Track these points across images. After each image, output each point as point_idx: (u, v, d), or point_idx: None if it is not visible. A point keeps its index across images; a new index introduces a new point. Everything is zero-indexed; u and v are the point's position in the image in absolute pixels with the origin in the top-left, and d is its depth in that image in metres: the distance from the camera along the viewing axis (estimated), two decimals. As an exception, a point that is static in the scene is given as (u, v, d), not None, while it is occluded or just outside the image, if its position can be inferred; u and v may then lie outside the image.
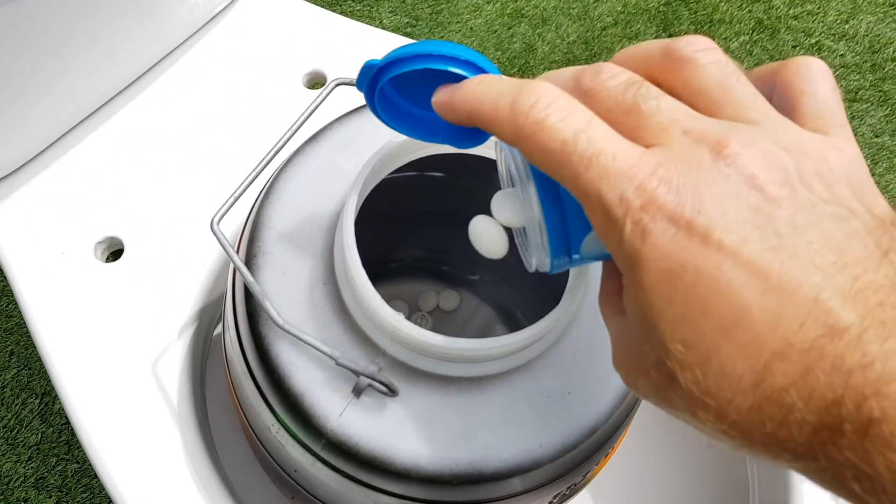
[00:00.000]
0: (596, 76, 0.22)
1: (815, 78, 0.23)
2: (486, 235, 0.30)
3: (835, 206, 0.19)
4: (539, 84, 0.22)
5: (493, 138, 0.31)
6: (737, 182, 0.19)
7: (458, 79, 0.24)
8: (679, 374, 0.20)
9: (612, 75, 0.22)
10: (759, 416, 0.19)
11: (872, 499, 0.18)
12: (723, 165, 0.20)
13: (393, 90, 0.27)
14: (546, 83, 0.22)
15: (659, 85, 0.22)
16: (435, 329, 0.56)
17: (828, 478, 0.19)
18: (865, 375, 0.18)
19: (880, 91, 1.21)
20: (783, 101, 0.23)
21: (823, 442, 0.18)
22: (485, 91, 0.23)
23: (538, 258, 0.26)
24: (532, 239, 0.26)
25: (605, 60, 0.23)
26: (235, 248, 0.38)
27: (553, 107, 0.21)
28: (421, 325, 0.57)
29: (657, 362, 0.20)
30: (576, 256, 0.25)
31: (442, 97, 0.24)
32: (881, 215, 0.20)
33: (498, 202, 0.28)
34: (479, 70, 0.25)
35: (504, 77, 0.23)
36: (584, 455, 0.35)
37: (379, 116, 0.28)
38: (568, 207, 0.24)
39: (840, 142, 0.21)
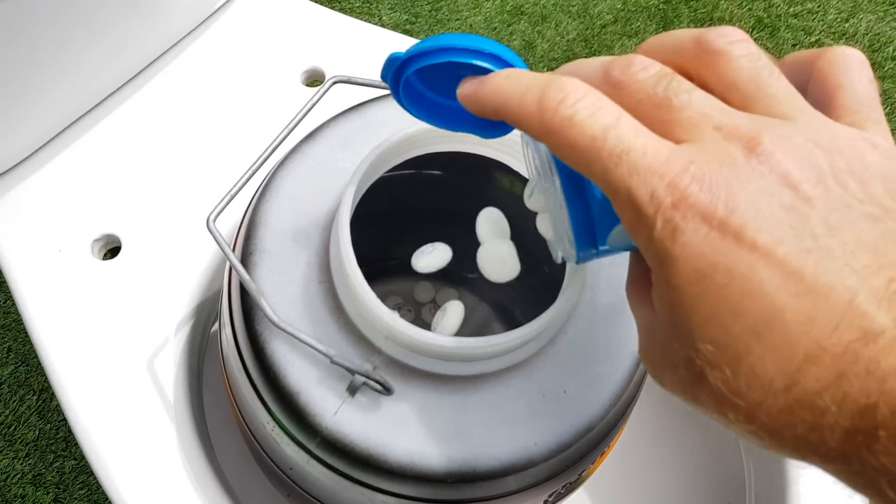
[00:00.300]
0: (626, 68, 0.21)
1: (852, 70, 0.22)
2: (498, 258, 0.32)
3: (869, 206, 0.19)
4: (567, 80, 0.21)
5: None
6: (770, 181, 0.19)
7: (484, 71, 0.24)
8: (708, 373, 0.20)
9: (642, 67, 0.21)
10: (789, 418, 0.19)
11: None
12: (756, 163, 0.19)
13: (418, 81, 0.27)
14: (574, 80, 0.21)
15: (689, 77, 0.22)
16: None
17: (860, 482, 0.19)
18: None
19: (880, 90, 1.21)
20: (819, 92, 0.23)
21: (857, 446, 0.18)
22: (511, 86, 0.22)
23: (563, 249, 0.26)
24: (557, 231, 0.26)
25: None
26: (232, 246, 0.38)
27: (581, 103, 0.21)
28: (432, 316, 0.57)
29: (686, 360, 0.20)
30: (602, 248, 0.25)
31: (467, 90, 0.24)
32: None
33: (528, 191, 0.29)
34: (505, 63, 0.25)
35: (530, 72, 0.23)
36: (579, 454, 0.35)
37: (404, 107, 0.28)
38: (593, 201, 0.24)
39: (876, 137, 0.21)
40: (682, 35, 0.23)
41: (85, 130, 0.57)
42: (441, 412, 0.33)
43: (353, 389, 0.33)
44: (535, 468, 0.33)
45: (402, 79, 0.26)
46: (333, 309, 0.34)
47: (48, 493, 0.83)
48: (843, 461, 0.19)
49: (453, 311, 0.37)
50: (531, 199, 0.30)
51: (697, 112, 0.20)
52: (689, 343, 0.20)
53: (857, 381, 0.18)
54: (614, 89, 0.21)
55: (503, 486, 0.34)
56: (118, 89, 0.59)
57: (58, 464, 0.85)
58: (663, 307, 0.21)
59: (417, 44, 0.25)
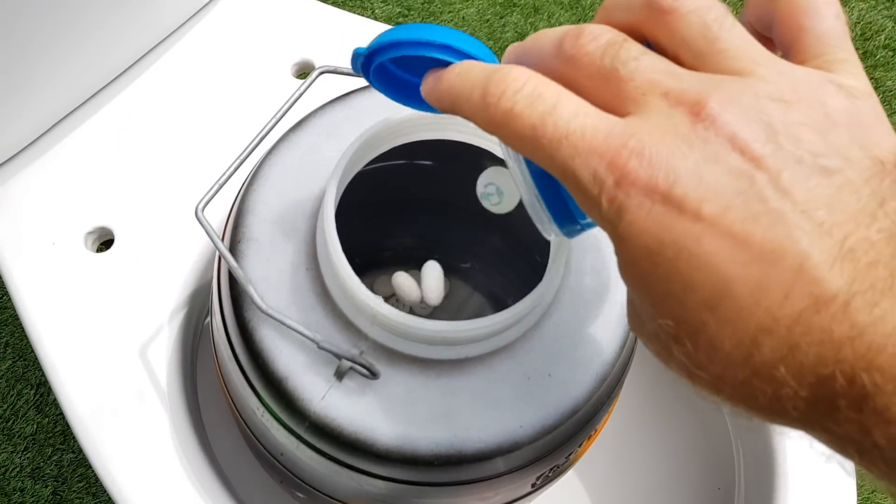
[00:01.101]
0: (576, 40, 0.21)
1: (815, 9, 0.21)
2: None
3: (825, 158, 0.18)
4: (508, 70, 0.21)
5: None
6: (716, 146, 0.18)
7: (444, 63, 0.24)
8: (672, 347, 0.20)
9: (592, 38, 0.21)
10: (750, 390, 0.18)
11: (874, 468, 0.18)
12: (701, 129, 0.19)
13: (392, 66, 0.27)
14: (516, 68, 0.21)
15: (644, 39, 0.21)
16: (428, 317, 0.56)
17: (832, 447, 0.19)
18: (855, 348, 0.17)
19: (872, 78, 1.21)
20: (782, 36, 0.22)
21: (820, 416, 0.18)
22: (462, 83, 0.22)
23: (545, 228, 0.26)
24: (534, 211, 0.26)
25: None
26: (221, 235, 0.38)
27: (521, 93, 0.20)
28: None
29: (654, 333, 0.20)
30: (584, 222, 0.25)
31: (428, 87, 0.24)
32: (882, 157, 0.18)
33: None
34: (460, 54, 0.24)
35: (479, 65, 0.23)
36: (565, 436, 0.35)
37: (381, 91, 0.28)
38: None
39: (843, 77, 0.20)
40: None
41: (77, 124, 0.58)
42: (427, 396, 0.33)
43: (340, 374, 0.33)
44: (520, 450, 0.34)
45: (370, 70, 0.26)
46: (321, 295, 0.34)
47: (47, 487, 0.84)
48: (810, 429, 0.19)
49: (431, 273, 0.37)
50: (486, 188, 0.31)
51: (644, 80, 0.20)
52: (651, 318, 0.20)
53: (811, 352, 0.17)
54: (567, 65, 0.21)
55: (490, 469, 0.34)
56: (109, 83, 0.59)
57: (56, 457, 0.85)
58: (626, 283, 0.21)
59: (379, 35, 0.25)
